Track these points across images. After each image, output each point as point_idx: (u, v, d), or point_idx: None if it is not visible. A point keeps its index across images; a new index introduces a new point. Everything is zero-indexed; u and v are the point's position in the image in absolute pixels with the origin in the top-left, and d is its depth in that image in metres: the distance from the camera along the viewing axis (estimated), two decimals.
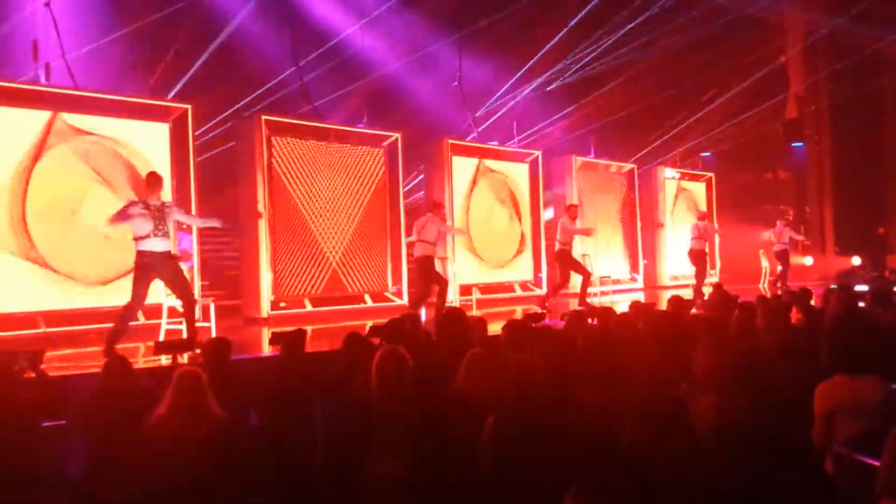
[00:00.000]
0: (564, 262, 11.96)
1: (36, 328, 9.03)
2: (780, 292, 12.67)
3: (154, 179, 7.77)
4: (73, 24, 10.07)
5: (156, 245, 7.56)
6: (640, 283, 17.03)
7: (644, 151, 18.48)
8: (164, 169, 10.22)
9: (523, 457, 3.29)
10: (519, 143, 15.32)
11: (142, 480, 3.94)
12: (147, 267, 7.56)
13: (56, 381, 6.12)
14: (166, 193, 9.56)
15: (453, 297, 11.88)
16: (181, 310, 8.09)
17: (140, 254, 7.54)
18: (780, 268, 15.59)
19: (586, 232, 12.92)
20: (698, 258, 14.20)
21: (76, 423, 4.77)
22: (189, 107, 10.43)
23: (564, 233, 11.94)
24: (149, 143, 10.17)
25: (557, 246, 12.03)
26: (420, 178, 14.54)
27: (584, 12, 16.02)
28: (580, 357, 4.36)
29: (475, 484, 3.39)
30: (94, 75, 10.00)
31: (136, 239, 7.53)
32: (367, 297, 12.43)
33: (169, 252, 7.76)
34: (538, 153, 15.42)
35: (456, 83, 14.32)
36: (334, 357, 5.69)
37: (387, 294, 12.72)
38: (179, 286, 7.91)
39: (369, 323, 7.56)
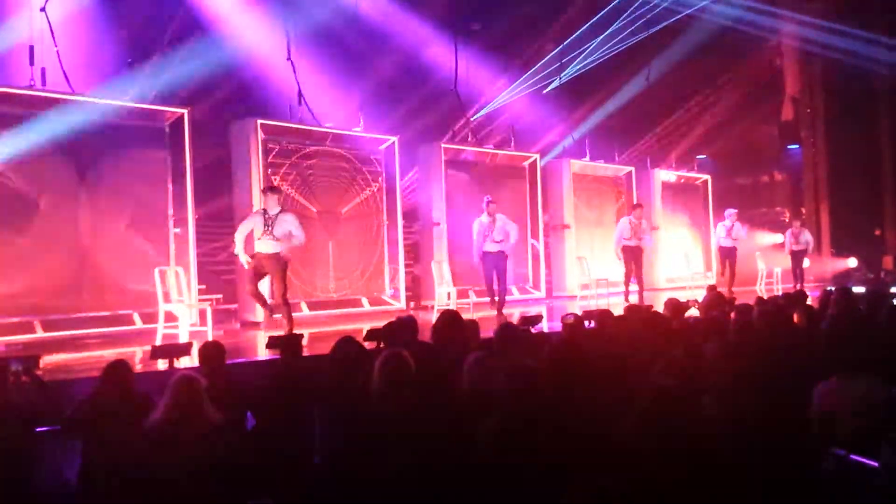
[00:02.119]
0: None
1: (33, 333, 9.02)
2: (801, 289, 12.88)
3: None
4: (69, 28, 10.03)
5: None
6: (636, 286, 16.97)
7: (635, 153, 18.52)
8: (163, 173, 10.29)
9: (524, 459, 3.29)
10: (516, 147, 15.30)
11: (138, 485, 3.92)
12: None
13: (52, 385, 6.11)
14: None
15: (450, 301, 11.89)
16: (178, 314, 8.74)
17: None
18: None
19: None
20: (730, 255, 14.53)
21: (73, 428, 4.75)
22: (185, 111, 10.42)
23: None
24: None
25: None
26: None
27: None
28: (579, 360, 4.35)
29: (478, 487, 3.38)
30: (90, 80, 9.97)
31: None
32: (364, 301, 12.42)
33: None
34: (536, 156, 15.41)
35: (453, 87, 14.32)
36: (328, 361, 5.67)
37: (384, 297, 12.71)
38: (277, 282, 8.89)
39: (366, 326, 7.56)
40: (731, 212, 14.94)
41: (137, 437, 4.11)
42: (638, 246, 13.12)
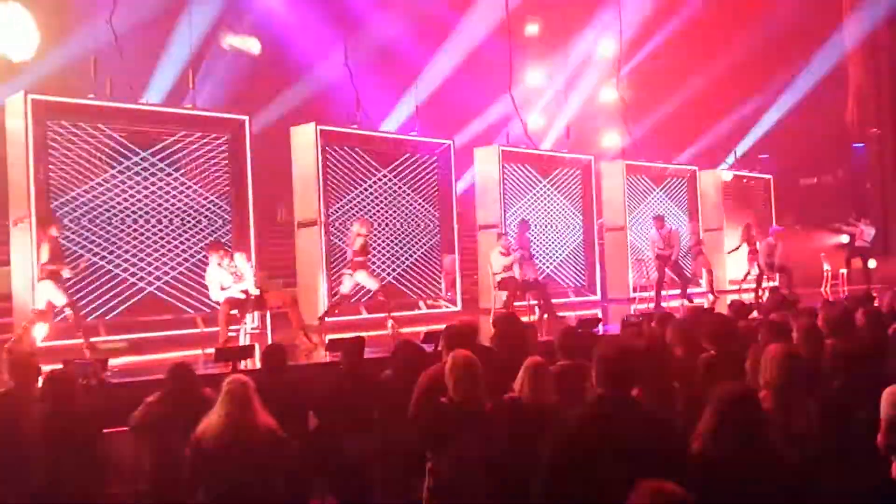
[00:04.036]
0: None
1: (97, 336, 9.21)
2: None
3: None
4: (133, 40, 10.28)
5: None
6: (703, 288, 16.65)
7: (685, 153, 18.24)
8: (224, 179, 10.50)
9: (586, 462, 3.26)
10: (571, 149, 15.20)
11: (197, 486, 3.99)
12: None
13: (119, 388, 6.26)
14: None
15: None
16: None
17: None
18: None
19: None
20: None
21: (141, 429, 4.86)
22: (246, 118, 10.59)
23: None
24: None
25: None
26: None
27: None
28: (638, 362, 4.30)
29: (539, 489, 3.36)
30: (153, 89, 10.20)
31: None
32: (421, 304, 12.46)
33: None
34: (591, 158, 15.29)
35: (509, 90, 14.35)
36: (388, 363, 5.71)
37: (441, 301, 12.72)
38: None
39: (423, 329, 7.59)
40: (775, 229, 15.30)
41: (192, 440, 4.18)
42: (666, 255, 13.21)
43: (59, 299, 8.58)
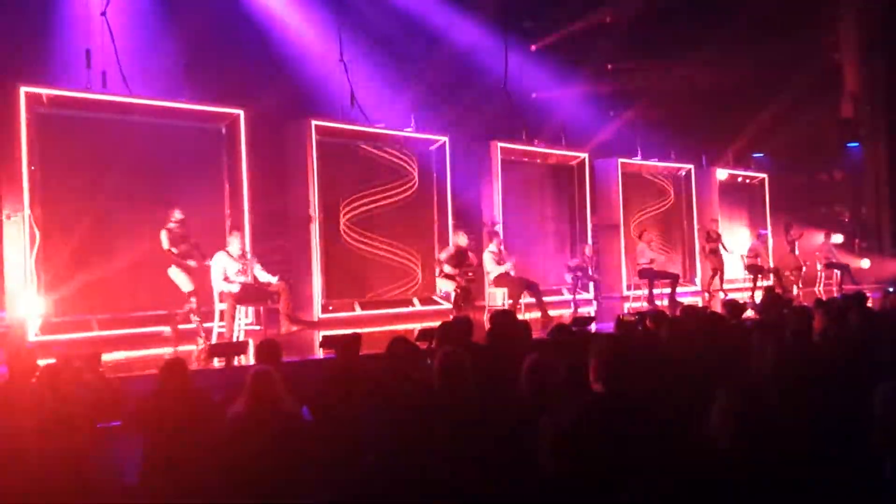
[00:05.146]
0: None
1: (90, 331, 9.17)
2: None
3: None
4: (127, 32, 10.22)
5: None
6: (697, 287, 16.65)
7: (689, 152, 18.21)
8: (220, 174, 10.47)
9: (581, 457, 3.26)
10: (567, 145, 15.18)
11: (207, 479, 3.98)
12: None
13: (113, 382, 6.23)
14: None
15: (504, 302, 11.87)
16: None
17: None
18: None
19: None
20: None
21: (133, 424, 4.85)
22: (241, 111, 10.56)
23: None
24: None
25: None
26: None
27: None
28: (634, 359, 4.31)
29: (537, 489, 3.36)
30: (148, 82, 10.14)
31: None
32: (415, 301, 12.44)
33: None
34: (584, 156, 15.27)
35: (503, 85, 14.32)
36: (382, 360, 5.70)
37: (435, 297, 12.70)
38: None
39: (418, 326, 7.59)
40: (762, 233, 15.91)
41: (217, 430, 4.20)
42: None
43: (186, 285, 8.81)
